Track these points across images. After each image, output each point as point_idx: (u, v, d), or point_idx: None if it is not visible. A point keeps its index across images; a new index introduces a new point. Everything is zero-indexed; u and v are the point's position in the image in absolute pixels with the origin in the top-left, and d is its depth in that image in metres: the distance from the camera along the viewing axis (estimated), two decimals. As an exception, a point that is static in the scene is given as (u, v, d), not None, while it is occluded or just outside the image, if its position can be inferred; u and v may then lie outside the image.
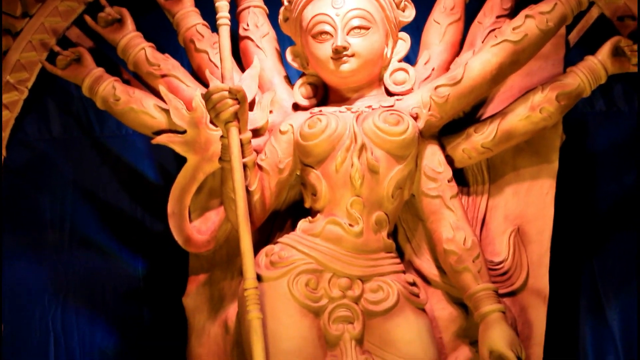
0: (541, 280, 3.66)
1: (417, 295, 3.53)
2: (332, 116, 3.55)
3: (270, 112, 3.66)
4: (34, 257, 4.05)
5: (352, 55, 3.56)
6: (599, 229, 3.96)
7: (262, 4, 3.88)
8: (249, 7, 3.84)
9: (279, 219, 3.75)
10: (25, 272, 4.03)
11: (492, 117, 3.67)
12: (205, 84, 3.64)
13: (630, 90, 3.94)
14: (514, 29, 3.56)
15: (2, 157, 3.86)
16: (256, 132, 3.58)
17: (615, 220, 3.98)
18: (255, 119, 3.57)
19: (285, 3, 3.72)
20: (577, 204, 3.94)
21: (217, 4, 3.47)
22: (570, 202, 3.87)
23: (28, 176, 4.07)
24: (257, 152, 3.58)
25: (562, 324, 3.81)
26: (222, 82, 3.46)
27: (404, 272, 3.57)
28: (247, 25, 3.84)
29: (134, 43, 3.79)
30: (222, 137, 3.46)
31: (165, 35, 3.92)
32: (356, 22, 3.57)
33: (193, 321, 3.78)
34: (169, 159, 3.97)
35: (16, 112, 3.92)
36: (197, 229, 3.71)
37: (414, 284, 3.56)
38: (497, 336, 3.45)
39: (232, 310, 3.66)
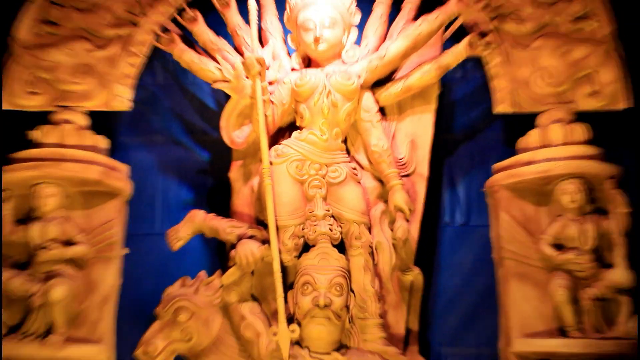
0: (424, 168, 4.44)
1: (357, 174, 4.34)
2: (313, 75, 4.32)
3: (278, 72, 4.40)
4: (147, 148, 4.73)
5: (325, 41, 4.31)
6: (455, 141, 4.69)
7: (275, 10, 4.52)
8: (268, 12, 4.50)
9: (282, 131, 4.46)
10: (142, 157, 4.72)
11: (401, 77, 4.43)
12: (242, 55, 4.37)
13: (477, 66, 4.57)
14: (414, 28, 4.35)
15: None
16: (270, 83, 4.35)
17: (464, 136, 4.70)
18: (269, 75, 4.36)
19: (287, 11, 4.42)
20: (444, 127, 4.63)
21: (250, 10, 4.23)
22: (441, 126, 4.58)
23: (143, 104, 4.70)
24: (271, 93, 4.33)
25: (433, 192, 4.55)
26: (252, 53, 4.27)
27: (349, 161, 4.36)
28: (266, 21, 4.52)
29: (202, 30, 4.45)
30: (251, 84, 4.21)
31: (221, 27, 4.54)
32: (327, 22, 4.30)
33: (234, 186, 4.49)
34: (222, 96, 4.60)
35: (138, 69, 4.49)
36: (237, 136, 4.38)
37: (355, 168, 4.36)
38: (398, 197, 4.26)
39: (255, 180, 4.40)
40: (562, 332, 4.13)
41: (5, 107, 4.37)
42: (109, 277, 4.31)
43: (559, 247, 4.22)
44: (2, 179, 4.25)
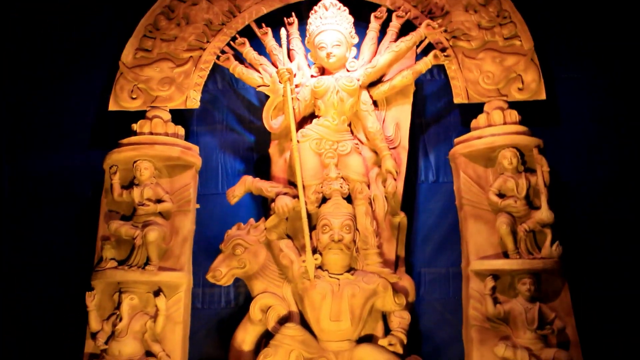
0: (405, 142, 4.96)
1: (358, 148, 4.87)
2: (326, 79, 4.89)
3: (302, 78, 4.96)
4: (211, 134, 5.23)
5: (334, 56, 4.89)
6: (427, 123, 5.18)
7: (298, 35, 5.08)
8: (293, 37, 5.09)
9: (305, 119, 4.96)
10: (209, 141, 5.20)
11: (387, 80, 4.97)
12: (277, 67, 4.92)
13: (440, 71, 5.11)
14: (396, 46, 4.94)
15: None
16: (296, 86, 4.92)
17: (433, 119, 5.19)
18: (295, 80, 4.90)
19: (308, 36, 4.95)
20: (419, 114, 5.12)
21: (281, 36, 4.86)
22: (417, 113, 5.07)
23: (208, 104, 5.22)
24: (297, 93, 4.88)
25: (412, 159, 4.92)
26: (283, 66, 4.82)
27: (353, 139, 4.88)
28: (293, 44, 5.09)
29: (249, 51, 5.03)
30: (283, 87, 4.75)
31: (261, 49, 5.08)
32: (335, 42, 4.88)
33: (272, 158, 4.99)
34: (263, 96, 5.05)
35: (204, 79, 5.03)
36: (273, 123, 4.88)
37: (357, 143, 4.89)
38: (388, 163, 4.78)
39: (287, 154, 4.89)
40: (505, 255, 4.69)
41: (114, 108, 5.04)
42: (187, 224, 4.82)
43: (501, 196, 4.77)
44: (113, 158, 4.87)
